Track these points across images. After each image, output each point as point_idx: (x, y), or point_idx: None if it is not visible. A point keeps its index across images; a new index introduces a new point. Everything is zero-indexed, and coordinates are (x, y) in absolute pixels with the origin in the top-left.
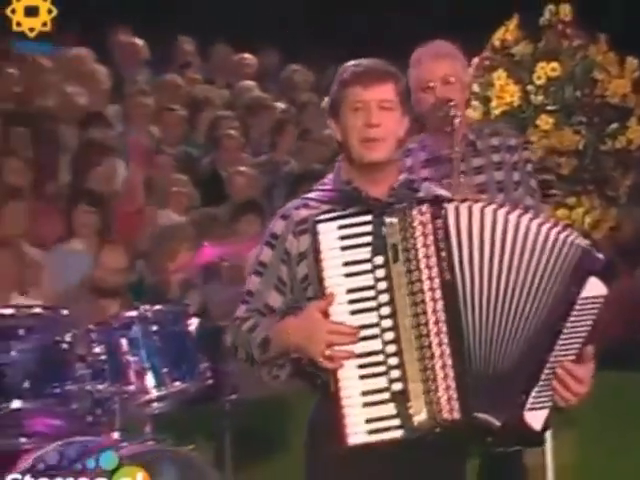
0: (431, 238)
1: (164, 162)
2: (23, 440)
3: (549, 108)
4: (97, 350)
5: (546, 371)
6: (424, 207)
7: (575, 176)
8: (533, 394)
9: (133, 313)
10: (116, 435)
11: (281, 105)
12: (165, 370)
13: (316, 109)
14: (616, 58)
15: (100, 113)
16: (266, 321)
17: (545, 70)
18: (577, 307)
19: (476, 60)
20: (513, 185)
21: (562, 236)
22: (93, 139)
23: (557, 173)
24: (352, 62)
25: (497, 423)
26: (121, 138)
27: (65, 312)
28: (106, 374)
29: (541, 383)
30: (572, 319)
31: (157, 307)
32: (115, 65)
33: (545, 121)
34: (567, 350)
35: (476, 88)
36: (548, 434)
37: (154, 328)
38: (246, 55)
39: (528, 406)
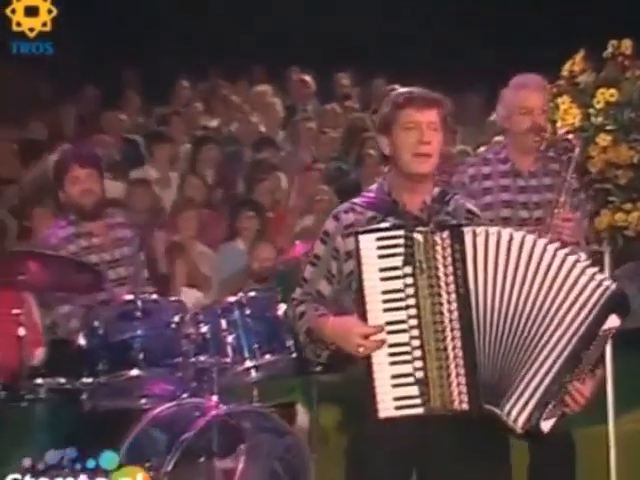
0: (449, 259)
1: (313, 176)
2: (144, 401)
3: (608, 128)
4: (203, 329)
5: (563, 389)
6: (445, 233)
7: (631, 185)
8: (550, 407)
9: (233, 299)
10: (215, 398)
11: None
12: (257, 346)
13: None
14: None
15: (271, 137)
16: (311, 312)
17: (604, 96)
18: (597, 339)
19: (548, 87)
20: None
21: (588, 271)
22: (262, 159)
23: (615, 183)
24: (403, 89)
25: (518, 430)
26: (288, 157)
27: (173, 299)
28: (208, 349)
29: (557, 398)
30: (591, 347)
31: (251, 294)
32: (288, 97)
33: (604, 139)
34: (581, 373)
35: None
36: (610, 404)
37: (248, 312)
38: (397, 86)
39: (544, 416)
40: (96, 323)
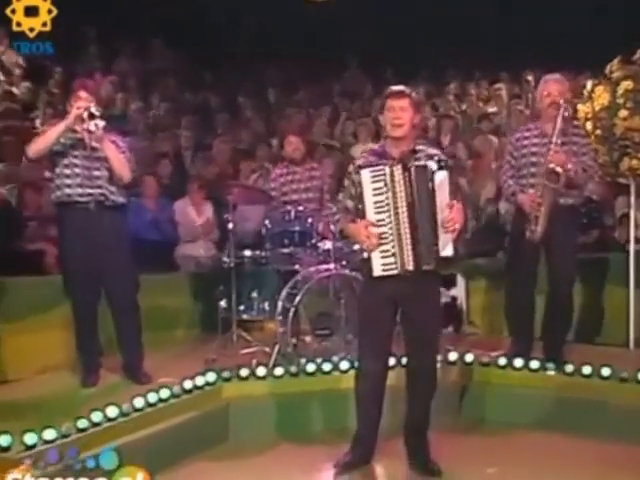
0: (402, 181)
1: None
2: (297, 266)
3: (627, 105)
4: (331, 227)
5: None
6: (399, 166)
7: None
8: (440, 244)
9: None
10: (332, 265)
11: None
12: None
13: None
14: None
15: (487, 113)
16: (343, 219)
17: (624, 85)
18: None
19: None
20: (582, 154)
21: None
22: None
23: (632, 141)
24: (391, 87)
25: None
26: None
27: (310, 210)
28: (331, 238)
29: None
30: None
31: None
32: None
33: (623, 113)
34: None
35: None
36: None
37: None
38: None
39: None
40: (267, 221)
